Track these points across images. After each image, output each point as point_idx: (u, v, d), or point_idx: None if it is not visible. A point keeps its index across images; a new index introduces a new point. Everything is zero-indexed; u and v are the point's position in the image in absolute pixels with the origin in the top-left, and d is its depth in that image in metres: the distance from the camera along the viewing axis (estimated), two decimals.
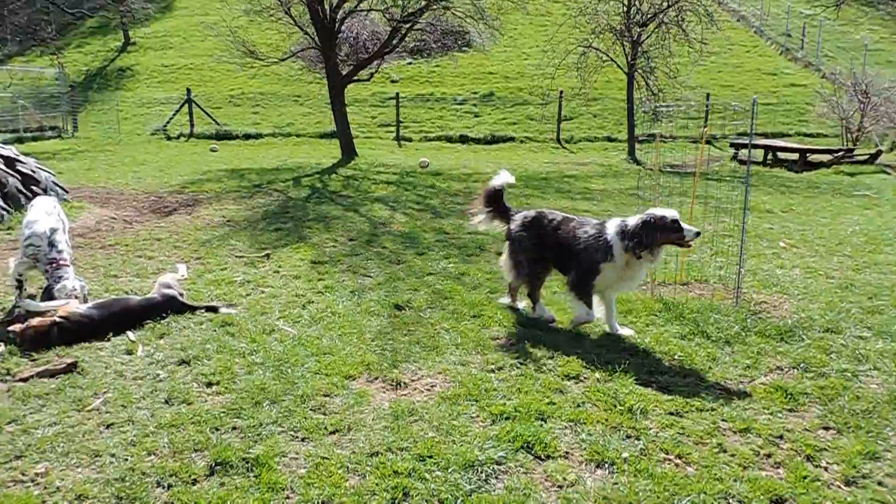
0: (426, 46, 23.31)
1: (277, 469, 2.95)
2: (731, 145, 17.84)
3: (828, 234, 7.63)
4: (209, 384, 3.77)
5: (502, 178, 5.00)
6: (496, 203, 5.06)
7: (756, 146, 16.75)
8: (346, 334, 4.51)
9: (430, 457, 3.02)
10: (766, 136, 20.10)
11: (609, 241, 4.34)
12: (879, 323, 4.58)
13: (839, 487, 2.77)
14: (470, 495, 2.74)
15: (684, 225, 4.22)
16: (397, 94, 22.45)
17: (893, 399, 3.49)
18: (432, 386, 3.78)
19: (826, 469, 2.91)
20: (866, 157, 15.85)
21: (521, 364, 4.02)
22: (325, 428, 3.30)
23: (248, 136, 21.29)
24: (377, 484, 2.83)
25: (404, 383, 3.81)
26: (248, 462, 2.98)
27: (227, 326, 4.62)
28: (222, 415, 3.39)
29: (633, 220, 4.32)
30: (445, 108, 23.86)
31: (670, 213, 4.27)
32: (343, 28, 16.12)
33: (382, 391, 3.74)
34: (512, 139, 21.35)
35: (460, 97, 24.47)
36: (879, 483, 2.78)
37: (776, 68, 27.17)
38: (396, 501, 2.74)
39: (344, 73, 15.74)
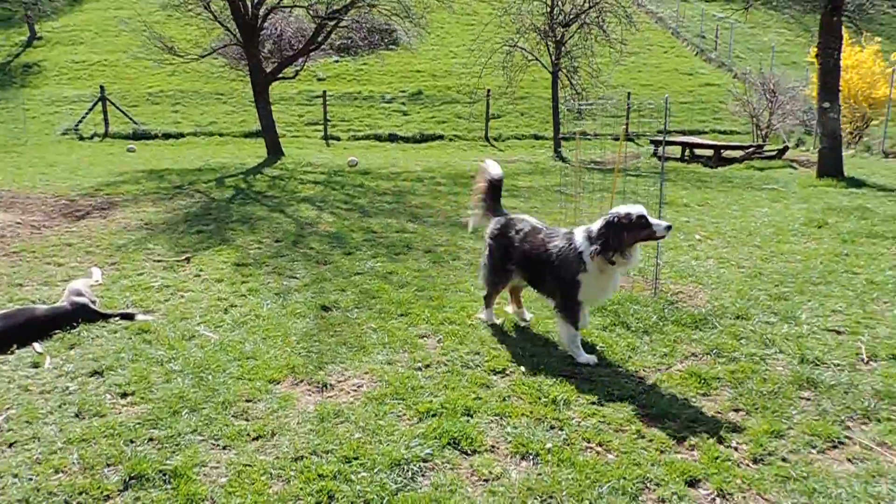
0: (353, 44, 23.08)
1: (197, 479, 2.85)
2: (651, 142, 18.53)
3: (740, 226, 8.03)
4: (124, 395, 3.60)
5: (494, 167, 4.63)
6: (494, 199, 4.69)
7: (674, 143, 17.48)
8: (270, 337, 4.41)
9: (356, 458, 2.99)
10: (683, 133, 20.99)
11: (579, 249, 3.97)
12: (785, 309, 4.86)
13: (748, 465, 2.92)
14: (396, 494, 2.73)
15: (652, 220, 3.87)
16: (324, 92, 22.17)
17: (796, 380, 3.70)
18: (359, 386, 3.74)
19: (736, 449, 3.06)
20: (775, 152, 16.79)
21: (448, 361, 4.03)
22: (248, 434, 3.21)
23: (168, 136, 20.52)
24: (302, 488, 2.78)
25: (330, 385, 3.76)
26: (165, 474, 2.87)
27: (144, 334, 4.43)
28: (138, 426, 3.25)
29: (598, 224, 3.99)
30: (374, 107, 23.73)
31: (635, 209, 3.87)
32: (266, 24, 15.75)
33: (308, 394, 3.68)
34: (441, 137, 21.46)
35: (388, 95, 24.40)
36: (783, 459, 2.95)
37: (692, 68, 28.40)
38: None
39: (268, 70, 15.39)
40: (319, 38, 15.34)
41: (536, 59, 17.64)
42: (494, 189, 4.69)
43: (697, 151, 17.34)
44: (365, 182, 12.04)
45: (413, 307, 5.00)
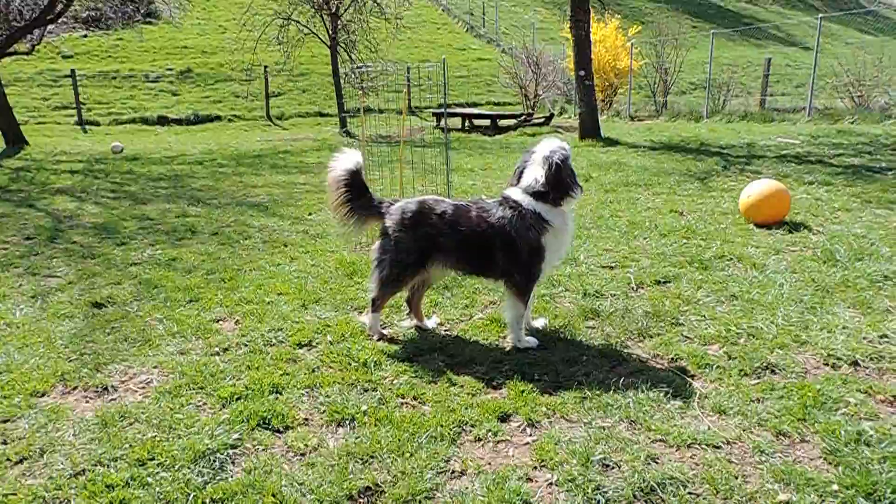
0: (103, 16, 20.53)
1: None
2: (434, 115, 19.16)
3: None
4: None
5: (351, 157, 3.73)
6: (359, 193, 3.76)
7: (455, 114, 18.25)
8: (28, 345, 3.76)
9: (152, 458, 2.65)
10: (462, 105, 22.00)
11: (534, 210, 3.47)
12: (566, 253, 5.28)
13: (550, 393, 3.11)
14: (203, 488, 2.47)
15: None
16: (73, 71, 19.49)
17: (582, 312, 4.04)
18: (147, 383, 3.34)
19: (538, 380, 3.25)
20: (542, 119, 18.30)
21: (248, 342, 3.76)
22: (8, 459, 2.69)
23: None
24: None
25: (112, 387, 3.30)
26: None
27: None
28: None
29: (534, 174, 3.50)
30: (137, 87, 21.46)
31: (556, 142, 3.59)
32: None
33: (84, 401, 3.19)
34: (219, 118, 20.13)
35: (153, 74, 22.23)
36: (579, 383, 3.19)
37: (465, 44, 29.79)
38: None
39: None
40: (57, 8, 13.37)
41: (313, 32, 17.19)
42: (359, 181, 3.75)
43: (476, 122, 18.28)
44: (134, 168, 10.86)
45: (203, 292, 4.59)
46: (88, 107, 19.52)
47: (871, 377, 3.15)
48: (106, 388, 3.29)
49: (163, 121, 19.43)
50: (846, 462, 2.47)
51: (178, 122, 19.52)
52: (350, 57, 17.26)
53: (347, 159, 3.72)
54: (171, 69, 22.60)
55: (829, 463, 2.50)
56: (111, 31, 23.15)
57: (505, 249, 3.53)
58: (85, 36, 23.41)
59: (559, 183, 3.46)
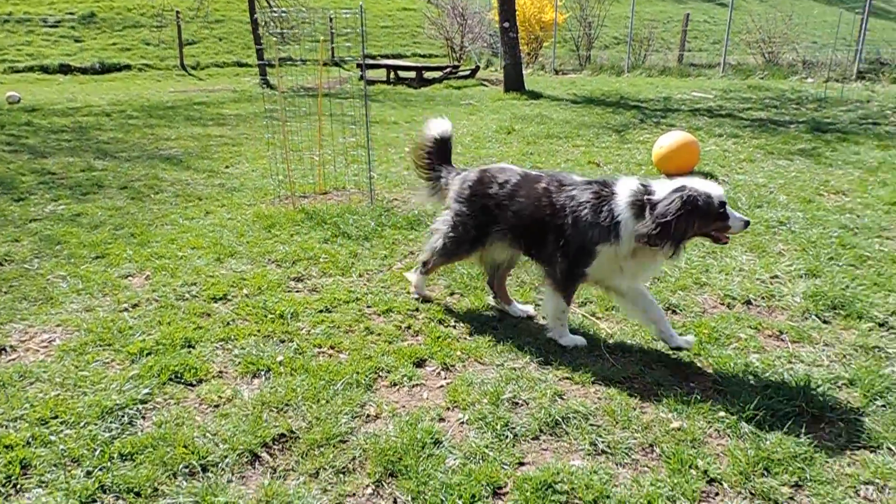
0: None
1: None
2: (357, 65, 18.67)
3: None
4: None
5: (437, 124, 3.60)
6: (439, 161, 3.61)
7: (379, 66, 17.87)
8: None
9: (56, 417, 2.56)
10: (387, 57, 21.53)
11: (616, 216, 2.85)
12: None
13: (466, 339, 3.19)
14: (111, 443, 2.42)
15: (730, 211, 2.80)
16: None
17: None
18: (50, 341, 3.20)
19: (455, 327, 3.32)
20: (468, 72, 18.18)
21: (159, 297, 3.65)
22: None
23: None
24: None
25: (10, 347, 3.15)
26: None
27: None
28: None
29: (661, 190, 2.80)
30: (34, 32, 19.84)
31: (716, 190, 2.77)
32: None
33: None
34: (128, 67, 18.93)
35: (52, 18, 20.57)
36: (494, 328, 3.29)
37: None
38: (14, 478, 2.27)
39: None
40: None
41: None
42: (444, 150, 3.62)
43: (402, 74, 17.98)
44: (33, 120, 10.13)
45: (111, 248, 4.40)
46: None
47: (761, 315, 3.39)
48: (4, 349, 3.14)
49: (65, 69, 18.10)
50: (733, 391, 2.67)
51: (83, 70, 18.24)
52: (269, 3, 16.50)
53: (438, 126, 3.61)
54: (72, 13, 20.96)
55: (719, 393, 2.70)
56: None
57: (557, 232, 3.02)
58: None
59: (663, 221, 2.69)
